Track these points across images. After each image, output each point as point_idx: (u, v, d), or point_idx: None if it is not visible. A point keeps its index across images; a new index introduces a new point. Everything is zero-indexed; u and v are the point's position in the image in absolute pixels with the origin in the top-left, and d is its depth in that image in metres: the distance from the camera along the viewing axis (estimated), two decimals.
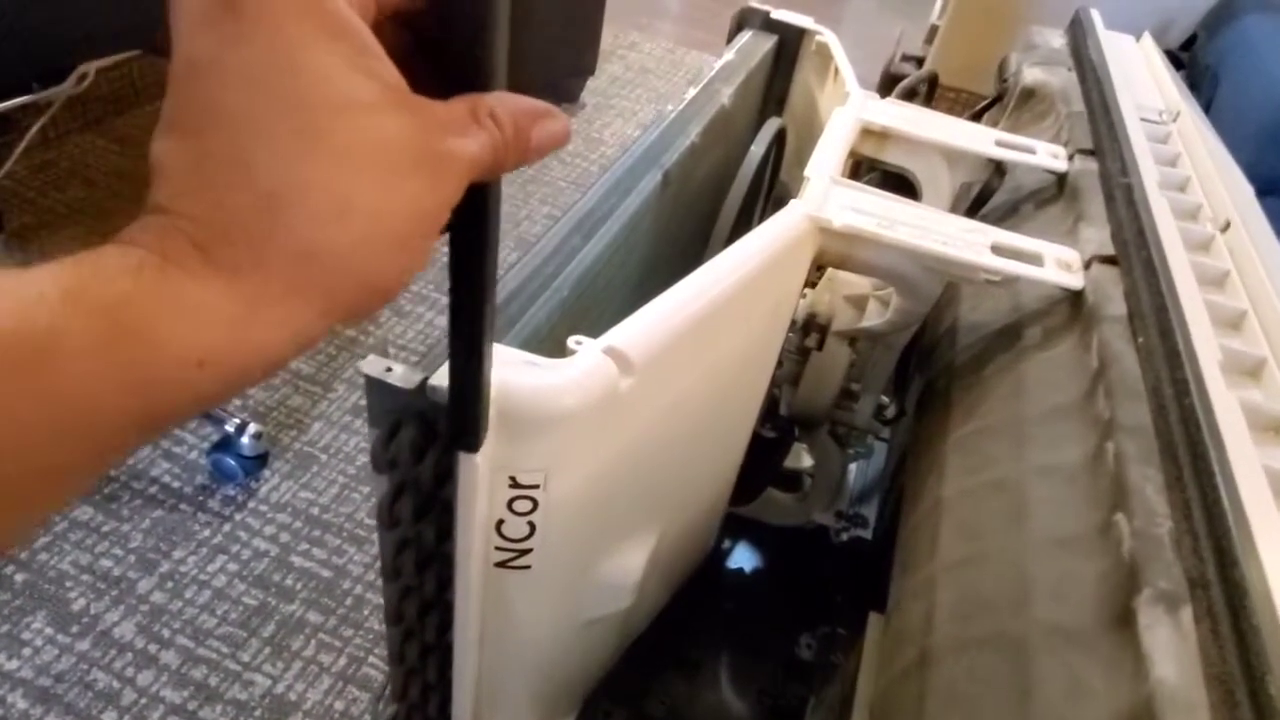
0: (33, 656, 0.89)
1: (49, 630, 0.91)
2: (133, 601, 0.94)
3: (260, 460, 1.08)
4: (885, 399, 0.72)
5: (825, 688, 0.61)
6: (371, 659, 0.93)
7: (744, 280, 0.45)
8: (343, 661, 0.92)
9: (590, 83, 2.00)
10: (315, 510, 1.06)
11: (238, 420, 1.06)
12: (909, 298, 0.56)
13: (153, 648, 0.91)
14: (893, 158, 0.67)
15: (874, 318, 0.61)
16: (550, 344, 0.44)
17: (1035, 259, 0.50)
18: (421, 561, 0.44)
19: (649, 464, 0.46)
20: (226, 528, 1.02)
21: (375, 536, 1.05)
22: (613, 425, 0.40)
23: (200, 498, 1.05)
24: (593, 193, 0.54)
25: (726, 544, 0.74)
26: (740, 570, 0.73)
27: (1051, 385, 0.45)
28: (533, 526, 0.40)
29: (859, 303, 0.63)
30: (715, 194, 0.67)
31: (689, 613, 0.67)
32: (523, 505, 0.39)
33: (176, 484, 1.06)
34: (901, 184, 0.69)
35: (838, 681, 0.59)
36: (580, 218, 0.51)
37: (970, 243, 0.51)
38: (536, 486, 0.38)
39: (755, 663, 0.65)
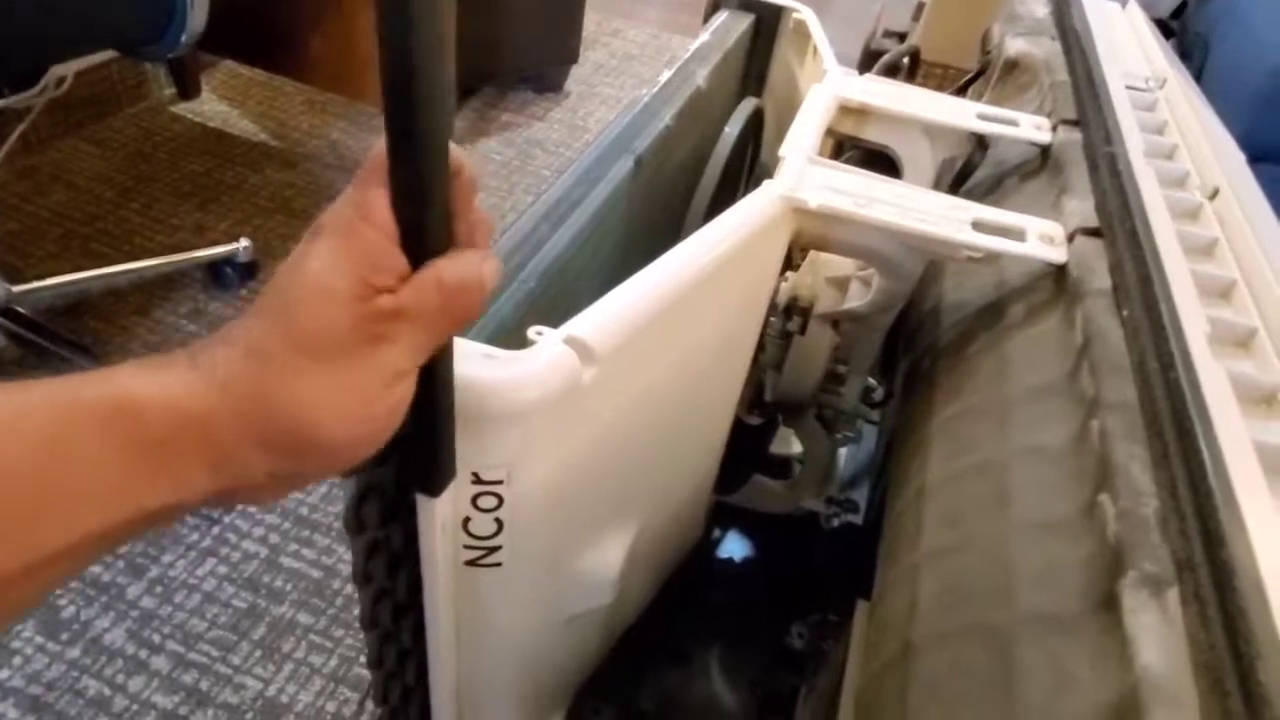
0: (23, 665, 0.88)
1: (38, 638, 0.90)
2: (122, 607, 0.93)
3: None
4: (873, 381, 0.70)
5: (817, 676, 0.60)
6: (363, 659, 0.92)
7: (715, 264, 0.44)
8: (334, 663, 0.91)
9: (574, 71, 1.98)
10: (304, 510, 1.05)
11: None
12: (891, 278, 0.55)
13: (143, 653, 0.90)
14: (872, 135, 0.65)
15: (856, 299, 0.60)
16: (517, 338, 0.42)
17: (1018, 234, 0.49)
18: (392, 564, 0.43)
19: (621, 455, 0.45)
20: (215, 530, 1.01)
21: None
22: (578, 417, 0.38)
23: None
24: (561, 181, 0.52)
25: (716, 533, 0.73)
26: (730, 559, 0.72)
27: (1035, 364, 0.43)
28: (500, 523, 0.39)
29: (841, 284, 0.62)
30: (691, 178, 0.66)
31: (678, 604, 0.65)
32: (487, 501, 0.38)
33: None
34: (883, 161, 0.67)
35: (829, 670, 0.58)
36: (548, 207, 0.49)
37: (951, 219, 0.49)
38: (500, 482, 0.37)
39: (746, 653, 0.64)
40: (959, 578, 0.37)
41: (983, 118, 0.62)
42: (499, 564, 0.41)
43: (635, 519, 0.49)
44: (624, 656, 0.62)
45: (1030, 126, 0.61)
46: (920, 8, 2.03)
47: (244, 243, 1.32)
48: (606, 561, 0.48)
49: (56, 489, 0.22)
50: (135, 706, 0.86)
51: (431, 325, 0.28)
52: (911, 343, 0.58)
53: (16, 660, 0.88)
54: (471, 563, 0.40)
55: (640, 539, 0.50)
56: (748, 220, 0.47)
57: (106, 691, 0.87)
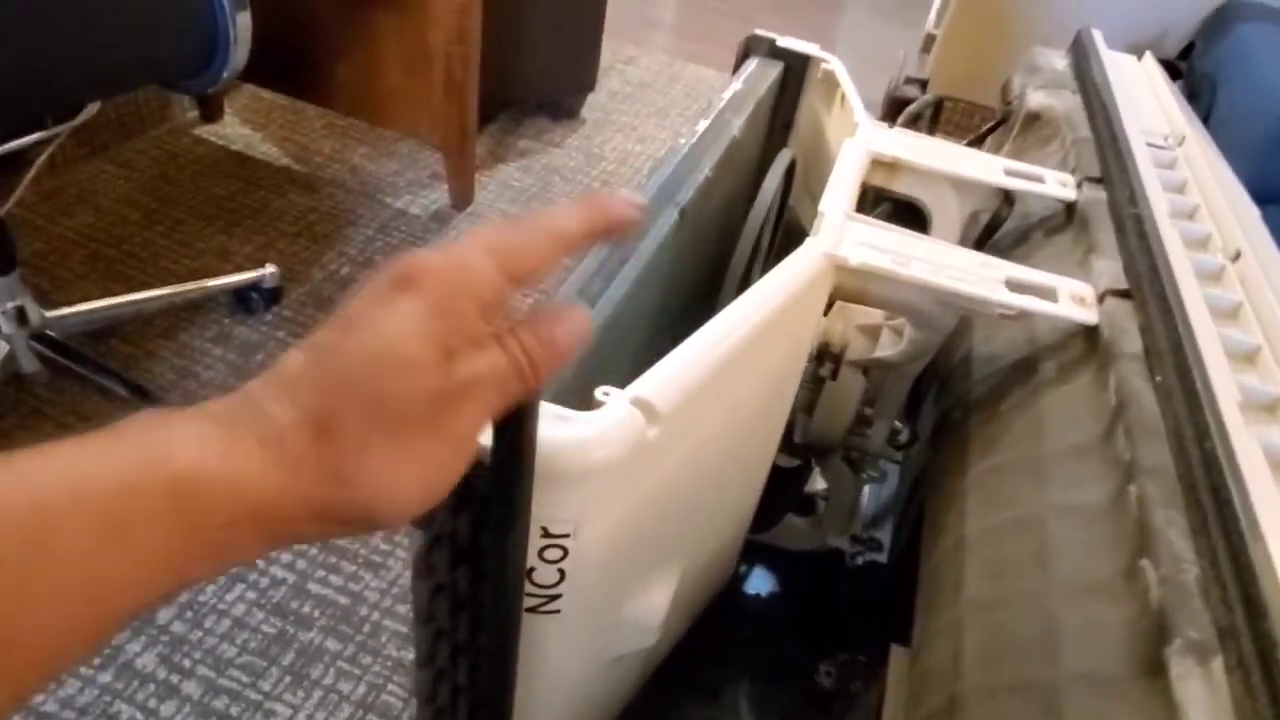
0: (55, 690, 0.89)
1: None
2: (153, 632, 0.95)
3: None
4: (899, 424, 0.72)
5: (846, 717, 0.62)
6: (390, 686, 0.93)
7: (764, 322, 0.46)
8: (362, 689, 0.92)
9: (590, 99, 2.01)
10: None
11: None
12: (923, 330, 0.57)
13: (174, 678, 0.91)
14: (902, 187, 0.68)
15: (888, 347, 0.62)
16: (577, 393, 0.44)
17: (1049, 294, 0.51)
18: (455, 607, 0.44)
19: (674, 505, 0.47)
20: None
21: (390, 562, 1.05)
22: (640, 473, 0.40)
23: None
24: None
25: (743, 569, 0.75)
26: (757, 596, 0.74)
27: (1070, 422, 0.45)
28: (562, 574, 0.41)
29: (872, 332, 0.64)
30: (726, 224, 0.68)
31: (708, 640, 0.67)
32: (553, 554, 0.40)
33: None
34: (910, 212, 0.70)
35: (858, 711, 0.60)
36: (600, 261, 0.51)
37: (984, 278, 0.52)
38: (567, 535, 0.39)
39: (775, 690, 0.66)
40: (1004, 632, 0.38)
41: (1010, 174, 0.64)
42: (557, 611, 0.43)
43: (681, 563, 0.51)
44: (656, 692, 0.63)
45: (1056, 183, 0.63)
46: (930, 39, 2.06)
47: (270, 269, 1.34)
48: (654, 606, 0.49)
49: (111, 574, 0.21)
50: None
51: (511, 384, 0.27)
52: (942, 392, 0.60)
53: (49, 685, 0.90)
54: (532, 609, 0.42)
55: (683, 582, 0.52)
56: (793, 278, 0.49)
57: (139, 716, 0.88)
